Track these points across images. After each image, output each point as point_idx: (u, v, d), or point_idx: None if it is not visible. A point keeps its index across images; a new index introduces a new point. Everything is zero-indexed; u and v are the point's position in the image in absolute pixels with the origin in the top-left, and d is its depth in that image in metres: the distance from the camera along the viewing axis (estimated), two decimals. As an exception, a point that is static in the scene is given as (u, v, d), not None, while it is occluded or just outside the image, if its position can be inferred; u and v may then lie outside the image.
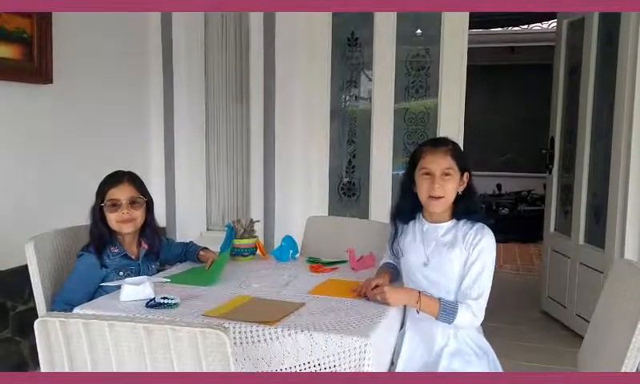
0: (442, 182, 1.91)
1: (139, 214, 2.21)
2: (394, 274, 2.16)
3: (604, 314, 1.86)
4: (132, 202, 2.18)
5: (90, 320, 1.29)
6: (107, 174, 2.26)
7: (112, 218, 2.16)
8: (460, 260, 1.91)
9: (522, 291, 4.81)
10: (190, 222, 4.04)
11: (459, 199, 1.97)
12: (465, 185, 1.97)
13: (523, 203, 7.62)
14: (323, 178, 3.98)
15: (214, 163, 4.11)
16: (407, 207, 2.05)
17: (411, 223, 2.06)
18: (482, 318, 1.89)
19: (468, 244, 1.90)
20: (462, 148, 2.01)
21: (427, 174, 1.93)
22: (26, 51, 2.89)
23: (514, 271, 5.64)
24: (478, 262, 1.88)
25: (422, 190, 1.95)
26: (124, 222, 2.17)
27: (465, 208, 1.96)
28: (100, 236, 2.15)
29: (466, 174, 1.97)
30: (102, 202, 2.16)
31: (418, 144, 3.77)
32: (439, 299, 1.88)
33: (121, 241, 2.22)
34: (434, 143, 1.99)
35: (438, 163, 1.92)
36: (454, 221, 1.98)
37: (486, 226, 1.93)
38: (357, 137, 4.01)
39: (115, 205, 2.16)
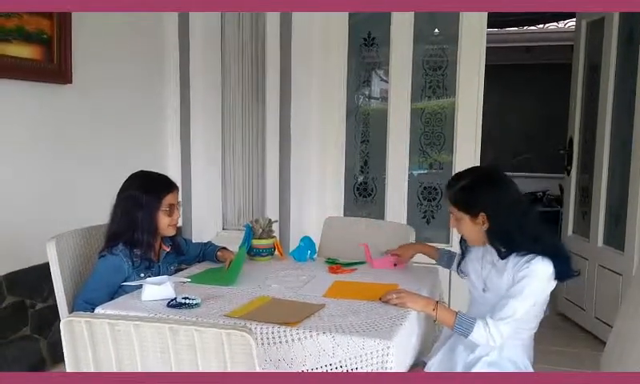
0: (454, 222, 1.97)
1: None
2: (442, 255, 2.32)
3: (629, 316, 1.83)
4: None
5: (115, 320, 1.30)
6: (137, 175, 2.28)
7: (166, 222, 2.22)
8: (508, 285, 1.86)
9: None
10: (206, 222, 4.05)
11: (492, 239, 1.89)
12: (484, 225, 1.88)
13: (538, 204, 7.54)
14: (338, 178, 3.97)
15: (229, 163, 4.11)
16: None
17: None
18: (499, 342, 1.79)
19: (516, 270, 1.83)
20: (471, 188, 1.90)
21: None
22: (46, 52, 2.90)
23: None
24: (516, 286, 1.81)
25: None
26: (175, 225, 2.26)
27: (503, 247, 1.88)
28: (149, 240, 2.18)
29: (481, 215, 1.87)
30: (158, 206, 2.19)
31: (434, 144, 3.89)
32: (457, 312, 1.85)
33: None
34: (447, 184, 1.99)
35: (449, 206, 1.98)
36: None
37: (538, 256, 1.81)
38: (372, 137, 3.99)
39: (171, 209, 2.23)
